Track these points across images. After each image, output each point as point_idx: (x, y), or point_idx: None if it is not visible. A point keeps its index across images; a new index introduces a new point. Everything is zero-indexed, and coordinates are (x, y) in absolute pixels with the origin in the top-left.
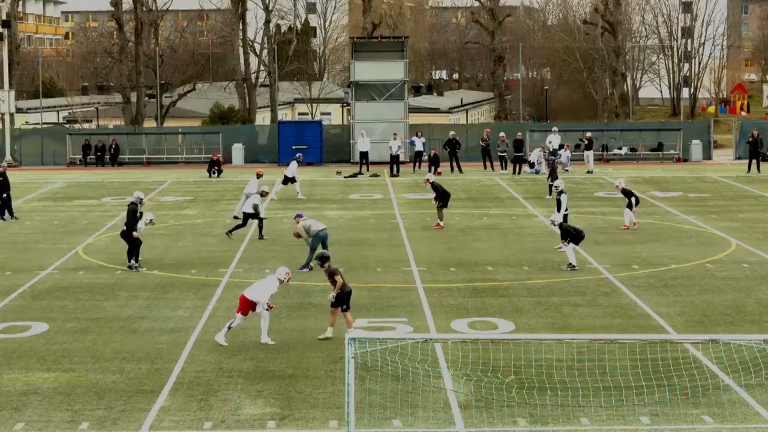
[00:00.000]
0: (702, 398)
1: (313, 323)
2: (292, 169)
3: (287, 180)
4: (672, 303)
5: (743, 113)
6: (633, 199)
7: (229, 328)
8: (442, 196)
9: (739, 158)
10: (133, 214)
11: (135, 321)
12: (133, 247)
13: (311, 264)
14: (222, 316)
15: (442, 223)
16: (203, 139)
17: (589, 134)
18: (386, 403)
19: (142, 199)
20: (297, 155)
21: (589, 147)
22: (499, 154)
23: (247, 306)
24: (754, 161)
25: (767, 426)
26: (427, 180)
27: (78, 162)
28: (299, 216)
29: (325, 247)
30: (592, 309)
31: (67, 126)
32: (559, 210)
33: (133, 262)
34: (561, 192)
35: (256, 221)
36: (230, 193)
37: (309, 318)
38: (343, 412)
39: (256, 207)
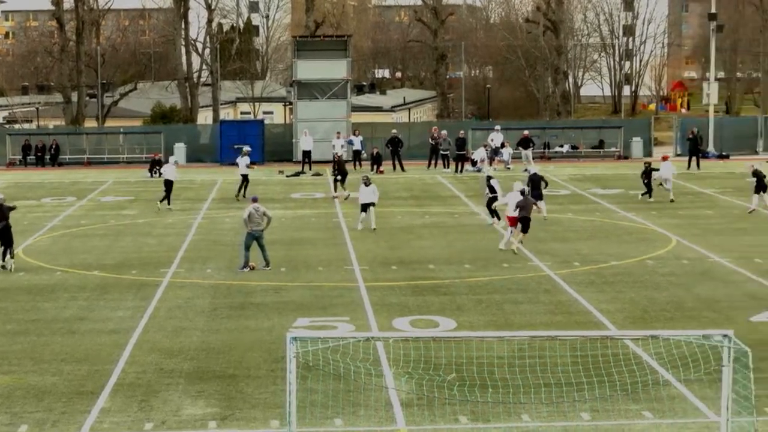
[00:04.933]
0: (642, 394)
1: (254, 323)
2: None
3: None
4: (612, 299)
5: (683, 110)
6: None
7: None
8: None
9: (679, 155)
10: None
11: (75, 322)
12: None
13: (250, 264)
14: (163, 317)
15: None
16: (145, 139)
17: (526, 132)
18: (328, 402)
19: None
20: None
21: (527, 145)
22: (442, 152)
23: None
24: (693, 158)
25: (706, 420)
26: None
27: (18, 162)
28: (255, 200)
29: (260, 245)
30: (533, 306)
31: (7, 126)
32: (493, 192)
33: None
34: (490, 178)
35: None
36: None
37: (250, 318)
38: (284, 412)
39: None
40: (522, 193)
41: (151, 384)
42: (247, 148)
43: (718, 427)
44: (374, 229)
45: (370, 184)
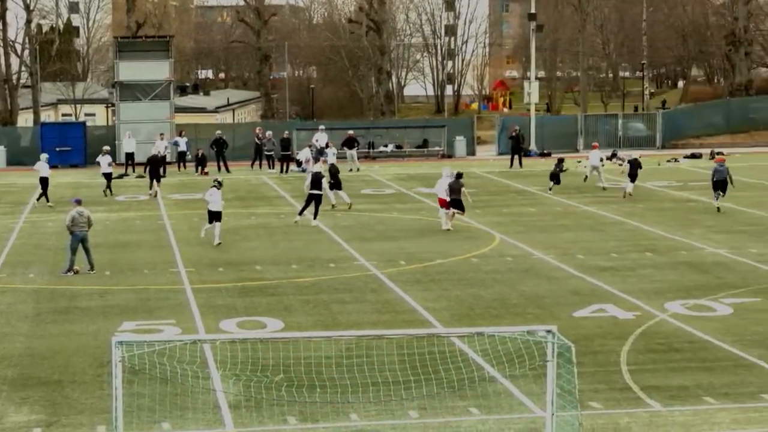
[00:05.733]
0: (468, 390)
1: (79, 327)
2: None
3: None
4: (438, 297)
5: (505, 109)
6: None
7: None
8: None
9: (501, 154)
10: None
11: None
12: None
13: (75, 267)
14: None
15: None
16: None
17: (351, 132)
18: (155, 406)
19: None
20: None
21: (351, 145)
22: (266, 152)
23: None
24: (516, 156)
25: (532, 416)
26: None
27: None
28: (78, 201)
29: (85, 249)
30: (361, 305)
31: None
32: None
33: None
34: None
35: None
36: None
37: (75, 322)
38: (111, 417)
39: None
40: (458, 176)
41: None
42: (106, 147)
43: (544, 422)
44: (219, 243)
45: (221, 188)
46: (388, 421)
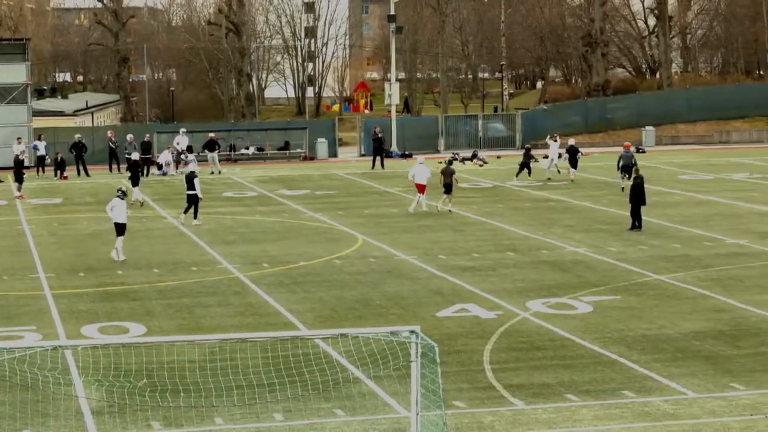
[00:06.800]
0: (333, 392)
1: None
2: None
3: None
4: (302, 300)
5: (366, 111)
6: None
7: None
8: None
9: (363, 155)
10: None
11: None
12: None
13: None
14: None
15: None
16: None
17: (212, 135)
18: (16, 414)
19: None
20: None
21: (213, 148)
22: (127, 156)
23: None
24: (378, 158)
25: (397, 416)
26: None
27: None
28: None
29: None
30: (224, 309)
31: None
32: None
33: None
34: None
35: None
36: None
37: None
38: None
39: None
40: (449, 162)
41: None
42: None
43: (409, 422)
44: (123, 260)
45: (125, 198)
46: (253, 424)
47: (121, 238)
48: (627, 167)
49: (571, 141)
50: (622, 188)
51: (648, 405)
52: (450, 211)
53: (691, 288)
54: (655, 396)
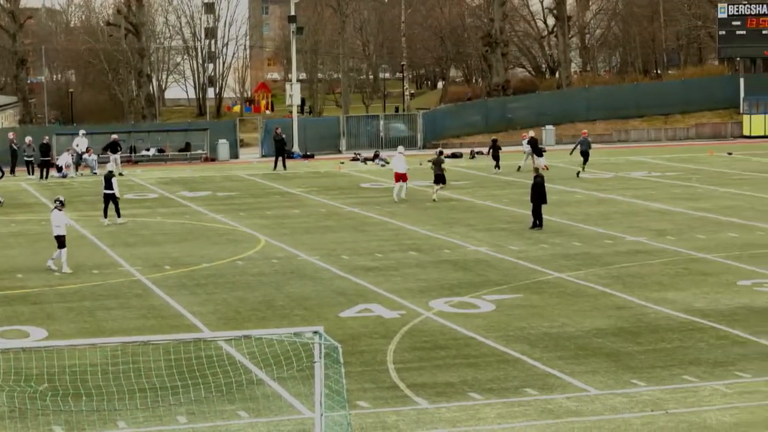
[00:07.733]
0: (237, 394)
1: None
2: None
3: None
4: (204, 301)
5: (267, 111)
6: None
7: None
8: None
9: (265, 156)
10: None
11: None
12: None
13: None
14: None
15: None
16: None
17: (115, 136)
18: None
19: None
20: None
21: (114, 149)
22: (26, 158)
23: None
24: (279, 158)
25: (301, 417)
26: None
27: None
28: None
29: None
30: (126, 311)
31: None
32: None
33: None
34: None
35: None
36: None
37: None
38: None
39: None
40: (440, 152)
41: None
42: None
43: (313, 422)
44: (70, 272)
45: (63, 207)
46: (156, 428)
47: (63, 251)
48: (585, 153)
49: (531, 133)
50: (578, 173)
51: (550, 402)
52: (434, 200)
53: (592, 286)
54: (558, 393)
